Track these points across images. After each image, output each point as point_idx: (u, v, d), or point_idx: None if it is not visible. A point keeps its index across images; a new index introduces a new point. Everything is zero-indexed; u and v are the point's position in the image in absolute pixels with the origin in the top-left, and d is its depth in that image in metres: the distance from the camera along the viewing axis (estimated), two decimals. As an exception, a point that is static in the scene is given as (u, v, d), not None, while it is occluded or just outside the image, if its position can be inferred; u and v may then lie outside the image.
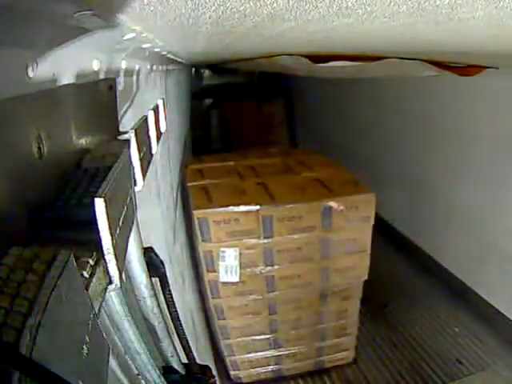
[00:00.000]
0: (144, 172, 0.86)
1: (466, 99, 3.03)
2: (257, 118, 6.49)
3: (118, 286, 0.54)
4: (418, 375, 2.68)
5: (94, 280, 0.48)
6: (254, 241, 2.29)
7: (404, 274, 3.70)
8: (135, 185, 0.77)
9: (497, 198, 2.91)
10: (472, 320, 3.06)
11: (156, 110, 1.20)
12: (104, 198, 0.48)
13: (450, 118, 3.25)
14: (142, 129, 0.93)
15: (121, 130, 0.92)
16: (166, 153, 1.97)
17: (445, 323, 3.06)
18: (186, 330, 1.28)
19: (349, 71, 2.36)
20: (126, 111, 0.99)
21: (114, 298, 0.74)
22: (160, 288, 1.15)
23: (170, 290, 1.16)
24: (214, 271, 2.33)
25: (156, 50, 1.33)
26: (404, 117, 3.82)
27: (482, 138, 2.95)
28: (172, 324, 1.22)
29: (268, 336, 2.60)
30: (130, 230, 0.69)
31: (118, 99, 0.93)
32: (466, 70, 2.05)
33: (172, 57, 1.84)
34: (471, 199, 3.15)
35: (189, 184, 2.58)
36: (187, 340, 1.27)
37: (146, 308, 0.99)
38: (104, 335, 0.50)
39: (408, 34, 1.09)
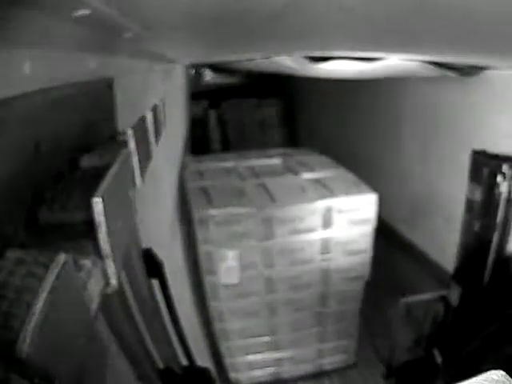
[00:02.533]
0: (143, 172, 0.85)
1: (467, 99, 3.02)
2: (256, 118, 6.48)
3: (116, 287, 0.53)
4: None
5: (91, 282, 0.47)
6: (253, 242, 2.28)
7: (405, 276, 3.68)
8: (134, 185, 0.76)
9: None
10: None
11: (155, 109, 1.20)
12: (102, 198, 0.47)
13: (451, 117, 3.25)
14: (140, 129, 0.92)
15: (119, 129, 0.91)
16: (165, 153, 1.97)
17: None
18: (185, 332, 1.27)
19: (348, 72, 2.36)
20: (124, 111, 0.98)
21: (112, 299, 0.73)
22: (159, 289, 1.14)
23: (169, 292, 1.15)
24: (214, 273, 2.32)
25: (155, 49, 1.33)
26: (406, 116, 3.82)
27: (483, 137, 2.95)
28: (171, 326, 1.22)
29: (268, 338, 2.59)
30: (129, 230, 0.68)
31: (116, 99, 0.93)
32: (467, 70, 2.05)
33: (171, 56, 1.84)
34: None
35: (188, 184, 2.57)
36: (187, 342, 1.27)
37: (144, 310, 0.98)
38: (102, 337, 0.49)
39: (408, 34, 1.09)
